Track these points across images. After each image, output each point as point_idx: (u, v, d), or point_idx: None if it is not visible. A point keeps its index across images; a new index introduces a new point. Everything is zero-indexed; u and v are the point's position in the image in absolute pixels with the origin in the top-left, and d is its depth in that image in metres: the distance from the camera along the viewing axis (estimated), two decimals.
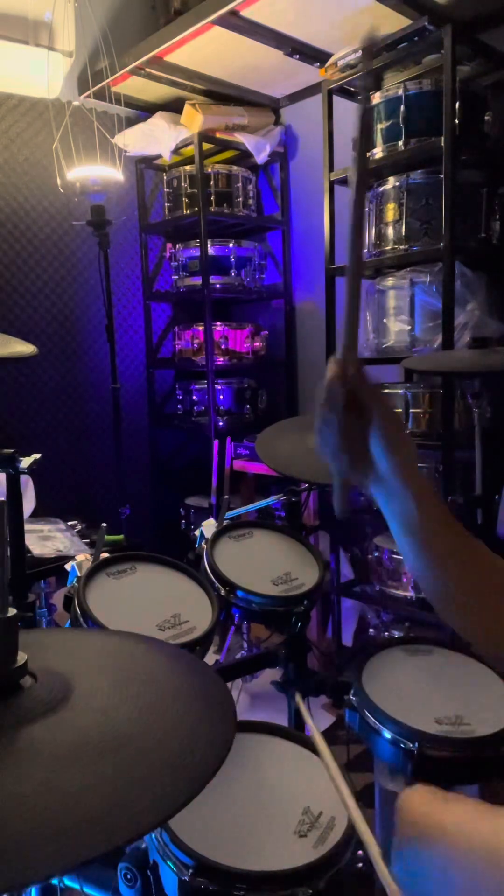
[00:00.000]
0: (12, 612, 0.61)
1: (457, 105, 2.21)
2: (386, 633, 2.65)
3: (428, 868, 0.64)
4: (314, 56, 2.78)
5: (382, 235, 2.52)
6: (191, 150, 3.08)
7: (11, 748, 0.55)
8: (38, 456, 1.30)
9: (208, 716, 0.62)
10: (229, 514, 1.67)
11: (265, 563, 1.51)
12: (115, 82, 3.01)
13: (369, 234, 2.60)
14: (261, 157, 3.15)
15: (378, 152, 2.47)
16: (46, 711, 0.59)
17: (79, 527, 2.17)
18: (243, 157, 3.22)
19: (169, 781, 0.54)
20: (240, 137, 3.11)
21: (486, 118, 2.40)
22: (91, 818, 0.49)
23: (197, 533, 1.63)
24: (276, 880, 0.89)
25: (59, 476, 3.19)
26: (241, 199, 3.21)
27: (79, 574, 1.30)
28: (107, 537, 1.46)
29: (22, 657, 0.62)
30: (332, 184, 2.64)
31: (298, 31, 2.66)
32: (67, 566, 1.39)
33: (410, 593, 2.47)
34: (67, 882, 0.97)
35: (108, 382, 2.99)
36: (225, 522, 1.60)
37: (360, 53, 2.42)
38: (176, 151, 3.15)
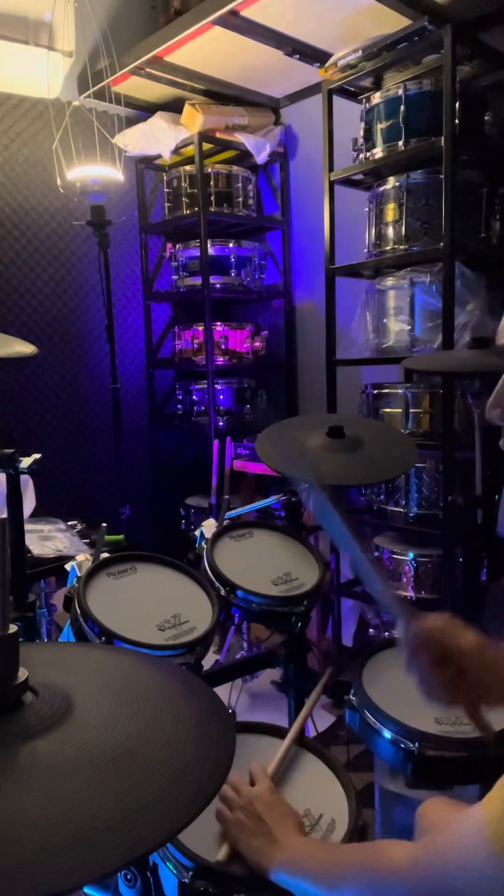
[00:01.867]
0: (13, 628, 0.61)
1: (457, 105, 2.21)
2: (386, 633, 2.64)
3: None
4: (314, 56, 2.78)
5: (382, 235, 2.52)
6: (191, 150, 3.08)
7: (13, 763, 0.55)
8: (38, 456, 1.30)
9: (208, 733, 0.62)
10: (229, 514, 1.66)
11: (265, 563, 1.51)
12: (115, 82, 3.01)
13: (369, 234, 2.60)
14: (261, 157, 3.15)
15: (378, 152, 2.47)
16: (48, 727, 0.59)
17: (79, 527, 2.17)
18: (243, 157, 3.22)
19: (172, 799, 0.54)
20: (240, 137, 3.10)
21: (486, 118, 2.40)
22: (95, 835, 0.49)
23: (197, 533, 1.63)
24: (275, 883, 0.89)
25: (59, 476, 3.19)
26: (241, 199, 3.21)
27: (79, 574, 1.30)
28: (107, 537, 1.46)
29: (23, 673, 0.61)
30: (332, 184, 2.64)
31: (298, 31, 2.66)
32: (67, 566, 1.39)
33: (410, 593, 2.47)
34: None
35: (108, 382, 2.99)
36: (225, 522, 1.60)
37: (359, 53, 2.42)
38: (176, 151, 3.15)
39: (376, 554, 2.60)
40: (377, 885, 0.75)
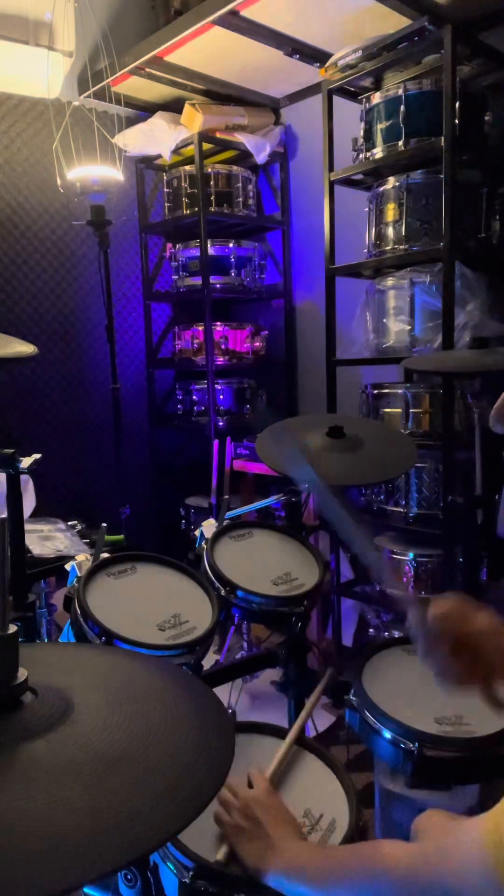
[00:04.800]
0: (13, 629, 0.61)
1: (457, 105, 2.21)
2: (386, 633, 2.64)
3: None
4: (314, 56, 2.78)
5: (382, 235, 2.52)
6: (191, 150, 3.08)
7: (13, 764, 0.55)
8: (38, 456, 1.30)
9: (208, 734, 0.62)
10: (229, 514, 1.66)
11: (265, 563, 1.51)
12: (115, 82, 3.01)
13: (369, 234, 2.60)
14: (261, 157, 3.15)
15: (378, 152, 2.47)
16: (47, 727, 0.59)
17: (79, 527, 2.17)
18: (243, 157, 3.22)
19: (172, 799, 0.54)
20: (240, 137, 3.10)
21: (486, 118, 2.40)
22: (94, 835, 0.49)
23: (197, 533, 1.63)
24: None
25: (59, 476, 3.19)
26: (241, 199, 3.21)
27: (79, 574, 1.30)
28: (107, 537, 1.46)
29: (23, 673, 0.62)
30: (332, 184, 2.64)
31: (298, 31, 2.66)
32: (67, 566, 1.39)
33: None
34: None
35: (108, 382, 2.99)
36: (225, 522, 1.60)
37: (359, 53, 2.42)
38: (176, 151, 3.15)
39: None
40: (370, 885, 0.76)
